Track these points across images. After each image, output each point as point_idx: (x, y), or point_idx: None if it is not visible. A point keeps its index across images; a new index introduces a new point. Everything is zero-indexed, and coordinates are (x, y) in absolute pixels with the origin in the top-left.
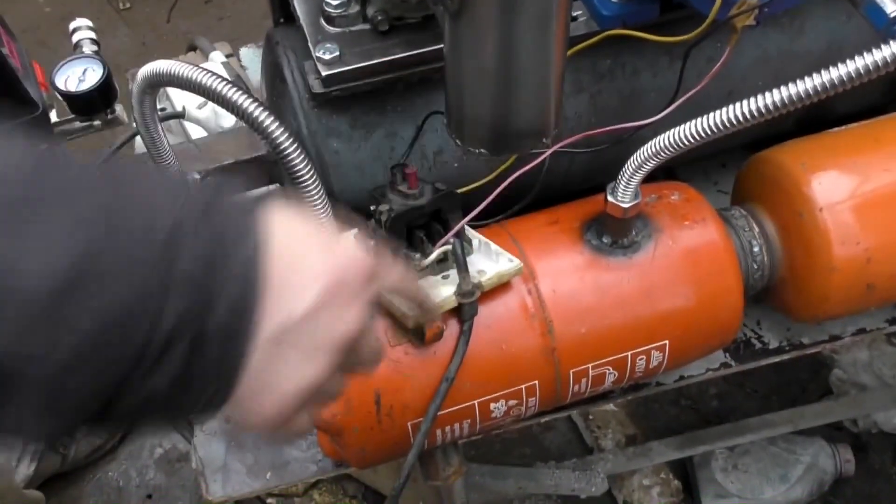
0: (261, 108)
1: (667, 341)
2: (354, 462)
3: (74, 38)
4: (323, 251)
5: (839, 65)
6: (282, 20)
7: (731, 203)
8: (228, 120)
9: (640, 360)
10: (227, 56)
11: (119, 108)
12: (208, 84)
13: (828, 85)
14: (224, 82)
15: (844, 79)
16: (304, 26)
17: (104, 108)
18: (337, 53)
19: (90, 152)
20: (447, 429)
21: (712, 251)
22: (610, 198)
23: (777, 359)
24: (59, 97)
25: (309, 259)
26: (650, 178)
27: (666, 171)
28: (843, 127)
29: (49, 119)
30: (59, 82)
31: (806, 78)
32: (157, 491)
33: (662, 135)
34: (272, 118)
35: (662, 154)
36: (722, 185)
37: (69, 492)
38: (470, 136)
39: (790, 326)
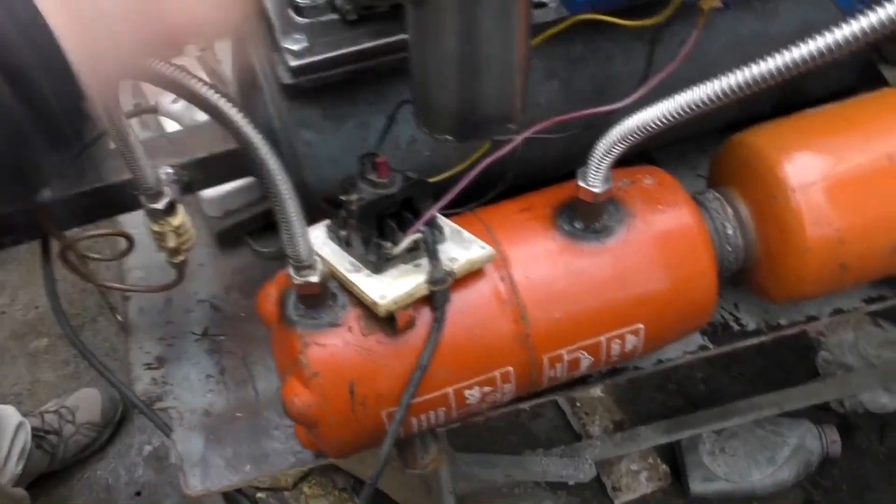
0: (219, 97)
1: (641, 325)
2: (331, 453)
3: None
4: None
5: (806, 41)
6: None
7: (707, 187)
8: (203, 114)
9: (615, 343)
10: (201, 50)
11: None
12: (164, 73)
13: (795, 62)
14: (181, 71)
15: (809, 57)
16: (272, 18)
17: None
18: (305, 44)
19: None
20: (423, 417)
21: (685, 234)
22: (580, 183)
23: (755, 340)
24: None
25: None
26: (625, 162)
27: (643, 156)
28: (816, 108)
29: None
30: None
31: (771, 57)
32: (147, 488)
33: (630, 118)
34: (233, 107)
35: (630, 138)
36: (701, 169)
37: (58, 491)
38: (436, 123)
39: (767, 308)
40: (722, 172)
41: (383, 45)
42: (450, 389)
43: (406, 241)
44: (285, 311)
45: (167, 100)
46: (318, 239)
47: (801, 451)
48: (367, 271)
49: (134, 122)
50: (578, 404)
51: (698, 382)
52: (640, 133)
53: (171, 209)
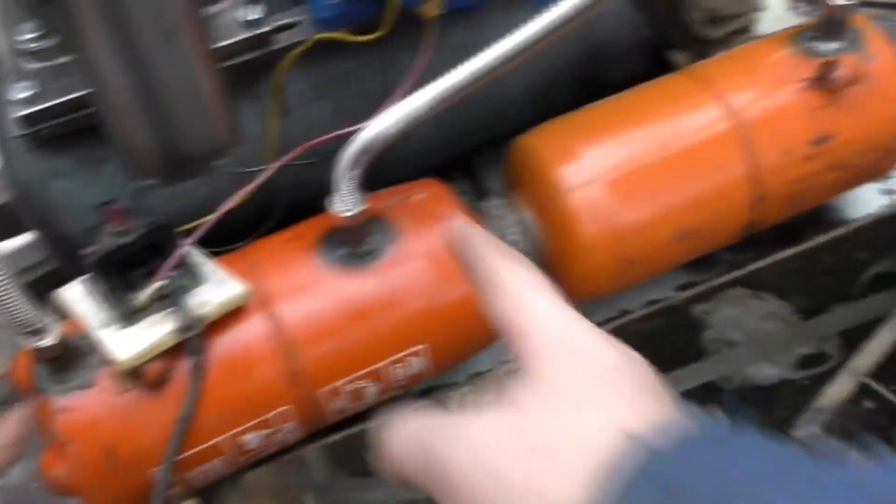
0: None
1: (423, 345)
2: None
3: None
4: None
5: (503, 41)
6: None
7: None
8: None
9: (398, 368)
10: None
11: None
12: None
13: (494, 63)
14: None
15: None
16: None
17: None
18: (34, 91)
19: None
20: (200, 469)
21: None
22: (333, 208)
23: None
24: None
25: None
26: (438, 171)
27: (463, 160)
28: (594, 103)
29: None
30: None
31: (470, 61)
32: None
33: (360, 134)
34: None
35: (365, 155)
36: None
37: None
38: (137, 165)
39: (583, 307)
40: (509, 176)
41: None
42: (223, 437)
43: (148, 291)
44: (34, 378)
45: None
46: (77, 294)
47: None
48: (118, 325)
49: None
50: None
51: None
52: (372, 148)
53: None
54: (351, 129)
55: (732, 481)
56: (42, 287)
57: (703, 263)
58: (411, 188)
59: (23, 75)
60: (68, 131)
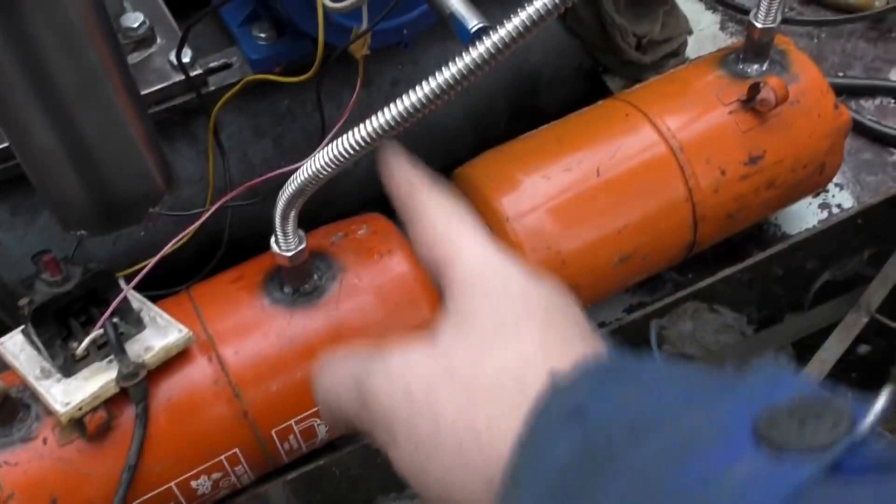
0: None
1: None
2: None
3: None
4: None
5: (431, 79)
6: None
7: None
8: None
9: None
10: None
11: None
12: None
13: (423, 100)
14: None
15: (436, 91)
16: None
17: None
18: None
19: None
20: None
21: (401, 281)
22: (274, 248)
23: None
24: None
25: None
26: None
27: None
28: (532, 131)
29: None
30: None
31: (401, 98)
32: None
33: (295, 174)
34: None
35: (300, 194)
36: None
37: None
38: (66, 219)
39: None
40: None
41: None
42: (173, 484)
43: (86, 340)
44: None
45: None
46: (16, 345)
47: None
48: (58, 376)
49: None
50: None
51: None
52: (311, 184)
53: None
54: (291, 167)
55: (628, 399)
56: None
57: (651, 283)
58: (353, 223)
59: None
60: (1, 181)
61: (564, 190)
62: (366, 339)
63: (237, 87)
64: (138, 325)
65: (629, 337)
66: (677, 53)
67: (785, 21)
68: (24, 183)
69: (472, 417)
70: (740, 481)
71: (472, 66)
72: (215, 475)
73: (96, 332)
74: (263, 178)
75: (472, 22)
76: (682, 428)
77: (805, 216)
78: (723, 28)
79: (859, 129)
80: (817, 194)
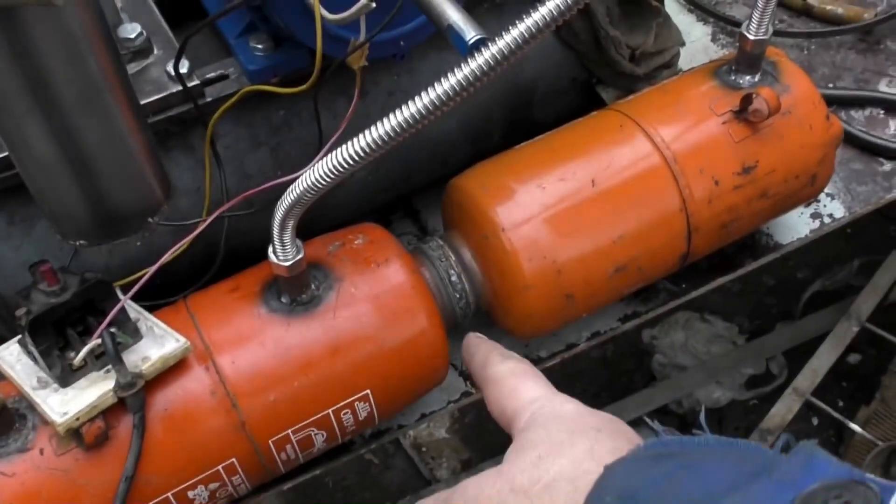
0: None
1: (369, 390)
2: None
3: None
4: None
5: (429, 90)
6: None
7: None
8: None
9: (346, 414)
10: None
11: None
12: None
13: (422, 111)
14: None
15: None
16: None
17: None
18: None
19: None
20: None
21: (398, 291)
22: (272, 258)
23: None
24: None
25: None
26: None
27: (403, 200)
28: (527, 142)
29: None
30: None
31: (399, 110)
32: None
33: (293, 185)
34: None
35: (298, 204)
36: None
37: None
38: (65, 228)
39: (528, 342)
40: (447, 217)
41: None
42: (169, 495)
43: (84, 350)
44: None
45: None
46: (13, 355)
47: None
48: (55, 386)
49: None
50: (424, 449)
51: None
52: (308, 196)
53: None
54: (288, 177)
55: (675, 481)
56: None
57: (645, 293)
58: (350, 233)
59: None
60: (2, 189)
61: (560, 200)
62: (363, 349)
63: (235, 98)
64: (135, 335)
65: (622, 347)
66: (670, 65)
67: (775, 33)
68: (20, 193)
69: None
70: None
71: (470, 78)
72: (212, 485)
73: (94, 342)
74: (260, 188)
75: (470, 34)
76: None
77: (797, 226)
78: (714, 40)
79: (849, 139)
80: (809, 204)
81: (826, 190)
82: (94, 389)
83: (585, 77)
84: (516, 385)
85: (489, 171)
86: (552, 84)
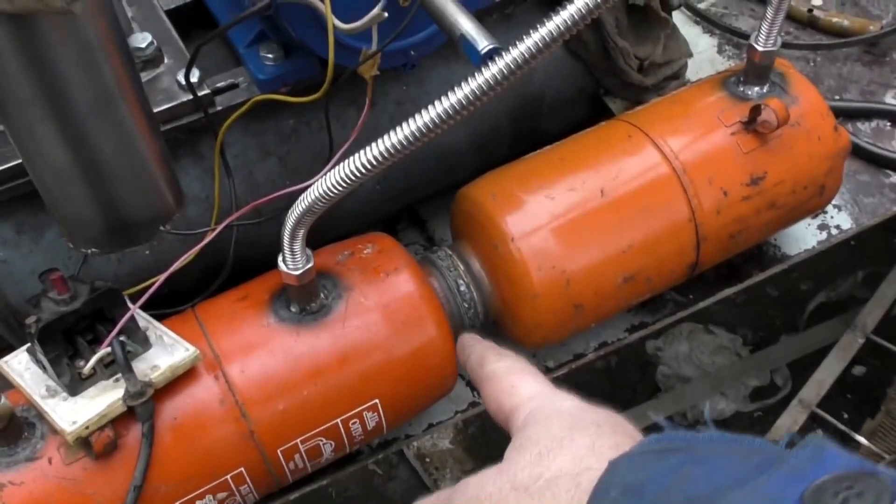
0: None
1: (377, 400)
2: None
3: None
4: None
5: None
6: None
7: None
8: None
9: (354, 423)
10: None
11: None
12: None
13: (435, 120)
14: None
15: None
16: None
17: None
18: None
19: None
20: None
21: (407, 300)
22: (281, 267)
23: None
24: None
25: None
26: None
27: (408, 210)
28: (536, 152)
29: None
30: None
31: (412, 119)
32: None
33: (304, 194)
34: None
35: (309, 213)
36: None
37: None
38: (78, 236)
39: (535, 353)
40: (455, 226)
41: None
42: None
43: (94, 359)
44: None
45: None
46: (21, 364)
47: None
48: (64, 394)
49: None
50: (428, 460)
51: None
52: (319, 205)
53: None
54: (298, 186)
55: (682, 475)
56: None
57: (652, 304)
58: (359, 242)
59: None
60: (6, 199)
61: (569, 210)
62: (372, 359)
63: (246, 107)
64: (145, 343)
65: (627, 357)
66: (678, 76)
67: (781, 45)
68: (29, 201)
69: None
70: None
71: (484, 87)
72: (220, 495)
73: (104, 351)
74: (270, 197)
75: (483, 43)
76: None
77: (804, 237)
78: (720, 51)
79: (856, 151)
80: (816, 215)
81: (833, 201)
82: (104, 398)
83: (593, 87)
84: (514, 382)
85: (498, 180)
86: (559, 94)
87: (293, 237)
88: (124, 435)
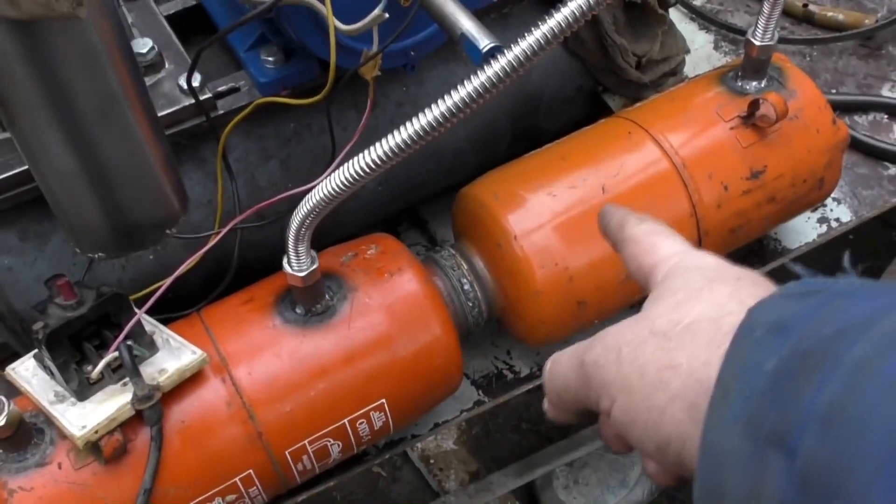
0: None
1: (384, 400)
2: None
3: None
4: None
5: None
6: None
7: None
8: None
9: (361, 424)
10: None
11: None
12: None
13: (439, 118)
14: None
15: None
16: None
17: None
18: None
19: None
20: None
21: (412, 300)
22: (286, 269)
23: (529, 385)
24: None
25: None
26: (392, 220)
27: (409, 211)
28: (536, 150)
29: None
30: None
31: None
32: None
33: (308, 195)
34: None
35: (313, 215)
36: None
37: None
38: (84, 240)
39: (539, 350)
40: (458, 226)
41: None
42: None
43: (101, 363)
44: None
45: None
46: (28, 370)
47: None
48: (72, 399)
49: None
50: (432, 461)
51: None
52: (321, 207)
53: None
54: (301, 189)
55: (831, 308)
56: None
57: None
58: (363, 243)
59: None
60: (10, 207)
61: (571, 207)
62: (378, 359)
63: (248, 110)
64: (151, 347)
65: None
66: (675, 72)
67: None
68: (33, 208)
69: (672, 357)
70: None
71: (486, 85)
72: (229, 497)
73: (112, 355)
74: (274, 199)
75: (484, 42)
76: (890, 327)
77: (805, 230)
78: (717, 48)
79: (854, 144)
80: (816, 209)
81: (833, 194)
82: (112, 402)
83: (591, 85)
84: (654, 242)
85: (500, 179)
86: (558, 92)
87: (298, 239)
88: (132, 439)
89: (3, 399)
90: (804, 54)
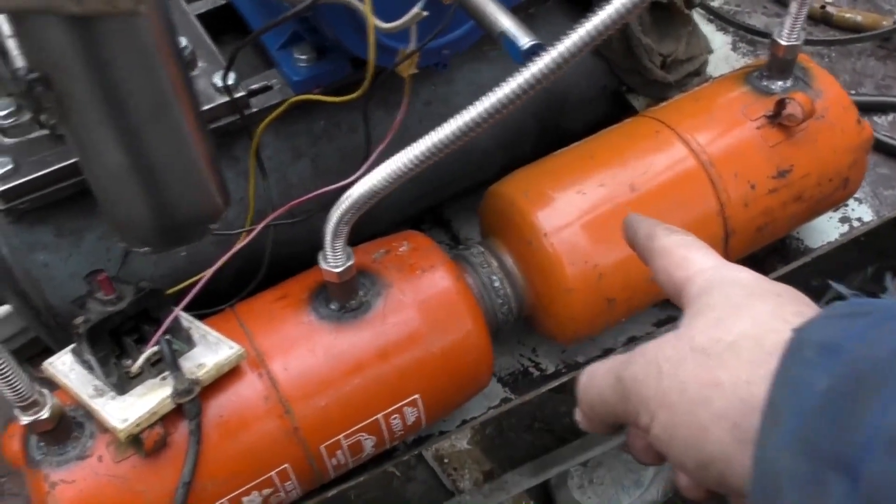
0: None
1: (417, 395)
2: None
3: None
4: None
5: (490, 94)
6: None
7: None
8: None
9: (395, 419)
10: None
11: None
12: None
13: (478, 119)
14: None
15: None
16: None
17: None
18: (11, 166)
19: None
20: None
21: (444, 296)
22: (322, 265)
23: (556, 383)
24: None
25: None
26: (416, 220)
27: (433, 211)
28: (563, 149)
29: None
30: None
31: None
32: None
33: (349, 191)
34: None
35: (353, 210)
36: None
37: None
38: (130, 235)
39: (564, 349)
40: (486, 224)
41: None
42: (225, 500)
43: (142, 358)
44: (28, 451)
45: None
46: (66, 365)
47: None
48: (112, 393)
49: None
50: (446, 461)
51: (563, 416)
52: (360, 205)
53: None
54: (336, 186)
55: (883, 330)
56: (19, 359)
57: None
58: (394, 240)
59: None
60: (46, 203)
61: (599, 205)
62: (412, 354)
63: (282, 108)
64: (189, 342)
65: None
66: (699, 72)
67: None
68: (68, 205)
69: (715, 375)
70: None
71: (532, 82)
72: (266, 491)
73: (151, 349)
74: (307, 196)
75: (524, 40)
76: None
77: (826, 230)
78: (735, 48)
79: (875, 144)
80: (837, 208)
81: (854, 194)
82: (152, 396)
83: (615, 85)
84: (686, 255)
85: (529, 177)
86: (583, 92)
87: (336, 234)
88: (171, 433)
89: (46, 392)
90: (822, 55)
